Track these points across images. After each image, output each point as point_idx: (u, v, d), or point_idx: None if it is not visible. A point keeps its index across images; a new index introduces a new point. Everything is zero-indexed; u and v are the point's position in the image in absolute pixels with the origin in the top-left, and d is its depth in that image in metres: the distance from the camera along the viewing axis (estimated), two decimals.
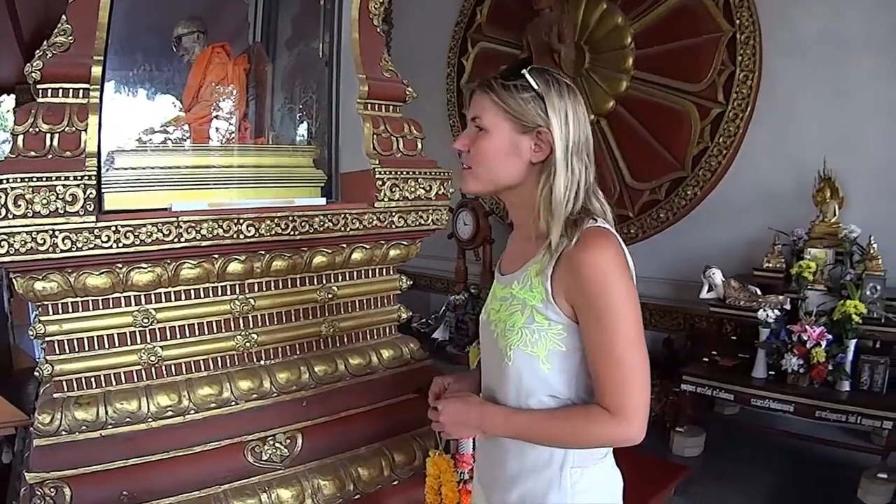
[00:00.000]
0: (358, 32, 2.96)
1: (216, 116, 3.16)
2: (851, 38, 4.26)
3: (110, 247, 2.28)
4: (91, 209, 2.24)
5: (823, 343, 3.50)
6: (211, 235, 2.44)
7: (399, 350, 2.96)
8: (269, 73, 3.38)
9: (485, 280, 4.98)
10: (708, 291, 4.26)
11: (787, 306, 3.82)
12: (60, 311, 2.35)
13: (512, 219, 1.49)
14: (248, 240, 2.51)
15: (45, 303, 2.31)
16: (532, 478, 1.38)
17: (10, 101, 11.28)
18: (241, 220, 2.49)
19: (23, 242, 2.13)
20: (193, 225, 2.41)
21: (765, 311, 3.73)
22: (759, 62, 4.64)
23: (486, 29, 6.47)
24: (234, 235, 2.48)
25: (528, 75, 1.34)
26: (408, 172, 2.85)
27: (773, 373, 3.74)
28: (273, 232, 2.54)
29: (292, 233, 2.59)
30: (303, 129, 3.36)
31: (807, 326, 3.56)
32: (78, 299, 2.36)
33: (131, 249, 2.32)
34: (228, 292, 2.61)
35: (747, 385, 3.72)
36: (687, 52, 4.90)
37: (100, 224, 2.25)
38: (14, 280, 2.28)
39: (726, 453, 3.98)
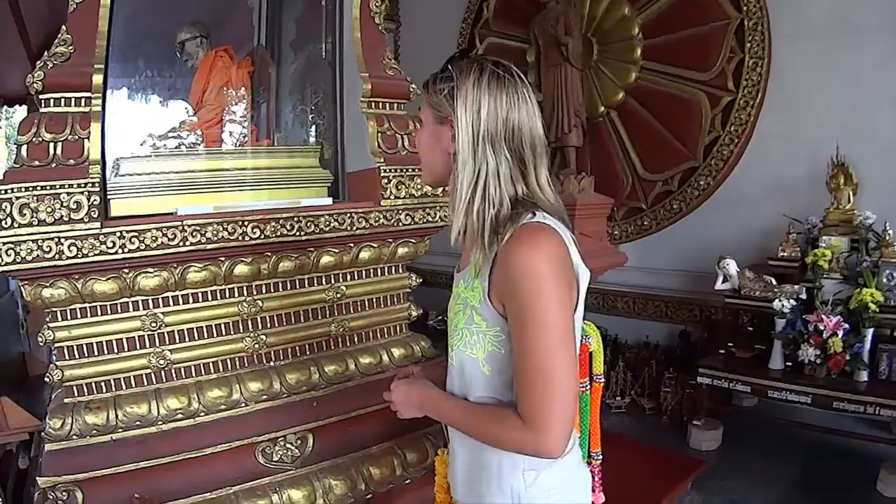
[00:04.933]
0: (359, 31, 2.95)
1: (221, 120, 3.15)
2: (861, 22, 4.22)
3: (116, 252, 2.28)
4: (96, 216, 2.25)
5: (840, 333, 3.49)
6: (216, 238, 2.44)
7: (410, 348, 2.94)
8: (272, 75, 3.37)
9: None
10: (723, 282, 4.25)
11: (803, 296, 3.83)
12: (69, 317, 2.35)
13: None
14: (254, 241, 2.50)
15: (54, 309, 2.32)
16: (484, 477, 1.36)
17: (22, 111, 11.44)
18: (247, 223, 2.48)
19: (29, 250, 2.15)
20: (198, 228, 2.41)
21: (780, 301, 3.73)
22: (767, 48, 4.62)
23: (494, 24, 6.49)
24: (240, 238, 2.47)
25: (450, 65, 1.34)
26: (414, 169, 2.83)
27: (789, 364, 3.72)
28: (279, 233, 2.53)
29: (298, 234, 2.57)
30: (308, 130, 3.35)
31: (823, 316, 3.54)
32: (86, 305, 2.36)
33: (137, 254, 2.32)
34: (236, 294, 2.60)
35: (764, 377, 3.69)
36: (695, 40, 4.89)
37: (104, 230, 2.26)
38: (22, 288, 2.29)
39: (744, 446, 3.96)
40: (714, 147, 4.83)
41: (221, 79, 3.22)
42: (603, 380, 1.63)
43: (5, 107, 10.76)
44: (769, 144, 4.67)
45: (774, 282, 4.02)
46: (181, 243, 2.39)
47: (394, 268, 2.97)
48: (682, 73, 4.98)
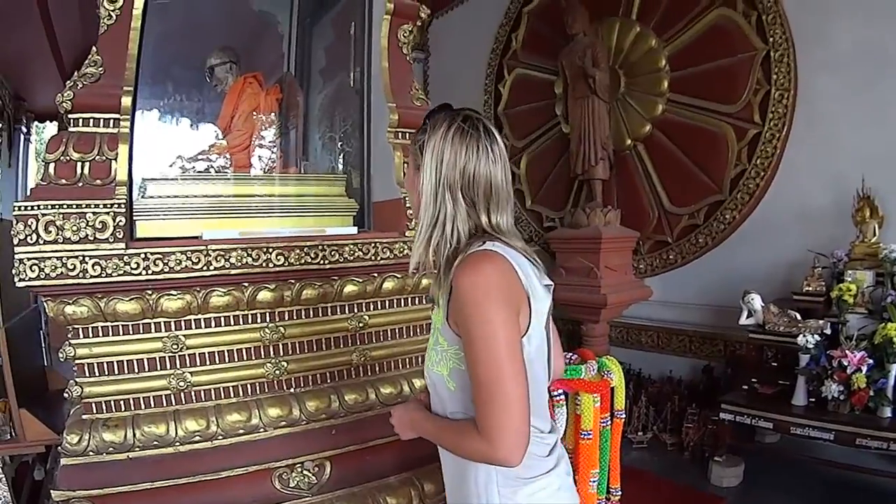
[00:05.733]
0: (387, 61, 2.98)
1: (249, 146, 3.19)
2: (888, 53, 4.18)
3: (139, 274, 2.31)
4: (121, 236, 2.29)
5: (864, 368, 3.43)
6: (240, 264, 2.46)
7: None
8: (301, 102, 3.40)
9: None
10: (747, 317, 4.20)
11: (828, 331, 3.77)
12: (90, 335, 2.37)
13: None
14: (278, 268, 2.52)
15: (76, 326, 2.34)
16: (465, 490, 1.46)
17: (53, 128, 11.64)
18: (271, 249, 2.50)
19: (53, 267, 2.18)
20: (223, 253, 2.44)
21: (804, 336, 3.67)
22: (794, 80, 4.58)
23: (522, 55, 6.54)
24: (264, 264, 2.49)
25: (429, 118, 1.50)
26: None
27: (813, 400, 3.65)
28: (303, 261, 2.55)
29: (322, 262, 2.59)
30: (335, 159, 3.37)
31: (847, 351, 3.49)
32: (108, 324, 2.38)
33: (161, 277, 2.35)
34: (258, 320, 2.60)
35: (787, 413, 3.63)
36: (721, 72, 4.86)
37: (129, 251, 2.29)
38: (45, 303, 2.31)
39: (765, 483, 3.91)
40: (740, 180, 4.78)
41: (250, 105, 3.28)
42: (624, 416, 1.70)
43: (36, 122, 10.97)
44: (795, 177, 4.61)
45: (799, 317, 3.97)
46: (205, 268, 2.41)
47: (416, 299, 2.96)
48: (709, 106, 4.94)
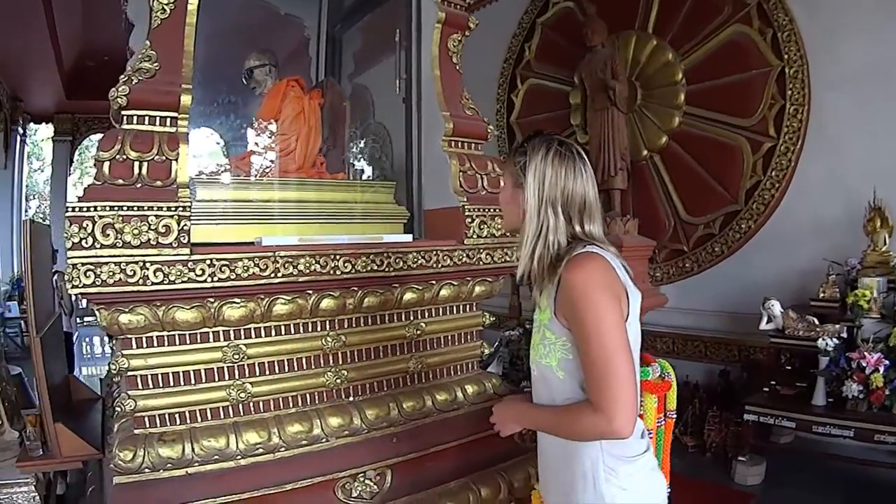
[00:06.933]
0: (439, 69, 2.98)
1: (293, 150, 3.16)
2: None
3: (204, 281, 2.21)
4: (185, 241, 2.17)
5: (881, 369, 3.65)
6: (308, 271, 2.41)
7: (483, 385, 2.93)
8: (347, 108, 3.38)
9: None
10: (767, 322, 4.34)
11: (844, 334, 3.96)
12: (145, 345, 2.26)
13: None
14: (344, 276, 2.49)
15: (129, 336, 2.23)
16: (568, 477, 1.62)
17: (45, 130, 11.52)
18: (338, 257, 2.47)
19: (110, 273, 2.05)
20: (290, 260, 2.38)
21: (824, 339, 3.87)
22: (808, 95, 4.72)
23: (535, 65, 6.61)
24: (331, 272, 2.46)
25: (527, 142, 1.71)
26: (495, 210, 2.86)
27: (831, 399, 3.87)
28: (368, 268, 2.53)
29: (387, 269, 2.58)
30: (378, 165, 3.36)
31: (865, 353, 3.69)
32: (164, 333, 2.29)
33: (226, 284, 2.26)
34: (319, 328, 2.58)
35: (808, 412, 3.84)
36: (737, 86, 4.97)
37: (194, 257, 2.19)
38: (98, 311, 2.19)
39: (786, 481, 4.10)
40: (755, 191, 4.90)
41: (294, 109, 3.23)
42: (675, 415, 1.88)
43: (31, 123, 10.88)
44: (808, 188, 4.74)
45: (817, 322, 4.11)
46: (272, 275, 2.35)
47: (469, 306, 2.97)
48: (725, 119, 5.05)
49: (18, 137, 10.39)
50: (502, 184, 1.84)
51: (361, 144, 3.42)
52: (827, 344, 3.82)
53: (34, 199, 18.95)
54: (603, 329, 1.47)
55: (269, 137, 3.25)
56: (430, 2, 3.07)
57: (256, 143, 3.32)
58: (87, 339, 7.13)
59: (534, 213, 1.65)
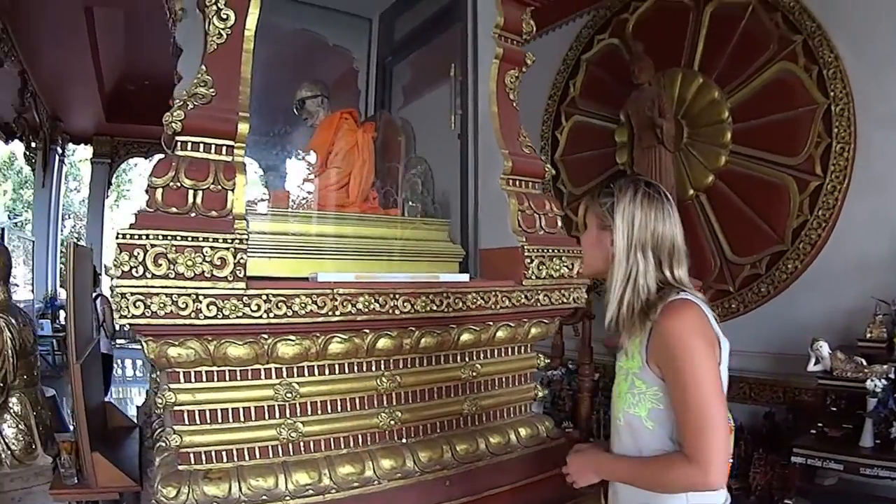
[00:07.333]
0: (497, 106, 2.95)
1: (347, 184, 3.13)
2: None
3: (260, 317, 2.15)
4: (241, 275, 2.12)
5: None
6: (366, 310, 2.36)
7: (536, 428, 2.88)
8: (403, 143, 3.36)
9: (584, 355, 4.87)
10: (815, 364, 4.26)
11: (892, 375, 3.90)
12: (193, 380, 2.21)
13: None
14: (403, 316, 2.44)
15: (177, 370, 2.18)
16: None
17: (83, 150, 11.72)
18: (398, 296, 2.43)
19: (161, 305, 1.98)
20: (349, 298, 2.33)
21: (872, 381, 3.82)
22: (854, 133, 4.65)
23: (581, 102, 6.58)
24: (390, 311, 2.41)
25: (612, 183, 1.69)
26: (553, 250, 2.82)
27: (878, 441, 3.82)
28: (428, 308, 2.49)
29: (446, 309, 2.53)
30: (419, 200, 3.32)
31: None
32: (214, 368, 2.23)
33: (283, 321, 2.20)
34: (373, 368, 2.52)
35: (856, 454, 3.77)
36: (783, 125, 4.90)
37: (250, 292, 2.13)
38: (145, 343, 2.12)
39: None
40: (802, 230, 4.80)
41: (348, 142, 3.21)
42: (731, 460, 1.77)
43: (71, 144, 11.06)
44: (855, 227, 4.65)
45: (864, 362, 4.05)
46: (330, 312, 2.29)
47: (524, 347, 2.92)
48: (771, 158, 4.97)
49: (57, 157, 10.56)
50: (585, 226, 1.79)
51: (410, 179, 3.38)
52: (875, 385, 3.77)
53: (69, 218, 19.26)
54: (700, 378, 1.45)
55: (321, 170, 3.23)
56: (486, 37, 3.07)
57: (308, 175, 3.31)
58: (119, 362, 7.19)
59: (623, 256, 1.62)
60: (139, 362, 9.46)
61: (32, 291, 10.46)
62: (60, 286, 10.90)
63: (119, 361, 7.47)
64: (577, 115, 6.62)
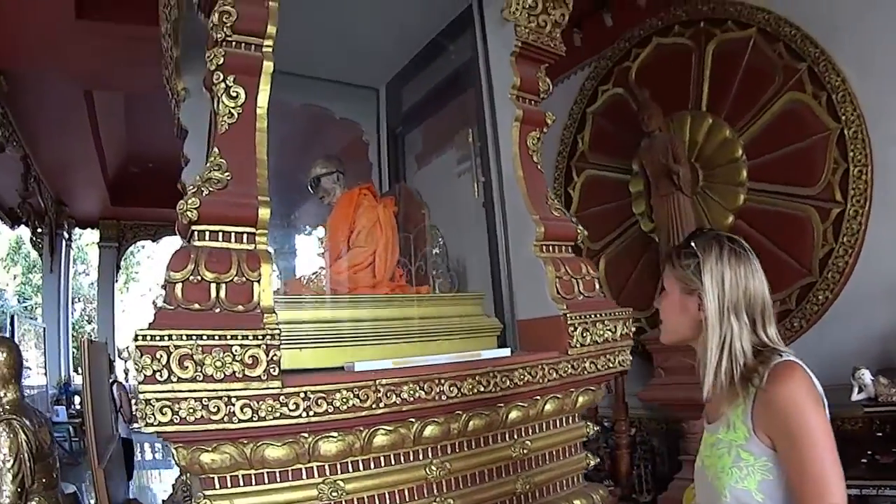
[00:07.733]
0: (522, 170, 2.89)
1: (372, 263, 3.05)
2: None
3: (299, 416, 2.03)
4: (275, 373, 1.99)
5: None
6: (412, 399, 2.26)
7: (591, 498, 2.76)
8: (426, 215, 3.29)
9: (619, 411, 4.76)
10: (858, 393, 4.17)
11: None
12: (229, 485, 2.06)
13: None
14: (450, 400, 2.34)
15: (212, 476, 2.04)
16: None
17: (90, 234, 11.75)
18: (443, 381, 2.33)
19: (191, 410, 1.85)
20: (393, 388, 2.22)
21: None
22: (870, 154, 4.60)
23: (591, 156, 6.53)
24: (436, 397, 2.31)
25: (693, 242, 1.60)
26: (595, 315, 2.74)
27: None
28: (475, 390, 2.39)
29: (493, 389, 2.43)
30: (456, 276, 3.24)
31: None
32: (252, 472, 2.09)
33: (324, 418, 2.08)
34: (421, 456, 2.41)
35: None
36: (798, 155, 4.85)
37: (286, 390, 2.01)
38: (175, 451, 1.99)
39: None
40: (829, 259, 4.71)
41: (369, 219, 3.13)
42: None
43: (77, 228, 11.10)
44: (881, 249, 4.56)
45: None
46: (374, 405, 2.18)
47: (573, 417, 2.82)
48: (790, 191, 4.91)
49: (64, 242, 10.58)
50: (666, 291, 1.68)
51: (432, 252, 3.30)
52: None
53: (79, 301, 19.21)
54: (819, 444, 1.38)
55: (339, 251, 3.14)
56: (501, 99, 3.02)
57: (329, 256, 3.23)
58: (139, 445, 7.08)
59: (715, 321, 1.53)
60: (158, 445, 9.30)
61: (46, 376, 10.37)
62: (74, 371, 10.84)
63: (139, 445, 7.32)
64: (588, 170, 6.56)
